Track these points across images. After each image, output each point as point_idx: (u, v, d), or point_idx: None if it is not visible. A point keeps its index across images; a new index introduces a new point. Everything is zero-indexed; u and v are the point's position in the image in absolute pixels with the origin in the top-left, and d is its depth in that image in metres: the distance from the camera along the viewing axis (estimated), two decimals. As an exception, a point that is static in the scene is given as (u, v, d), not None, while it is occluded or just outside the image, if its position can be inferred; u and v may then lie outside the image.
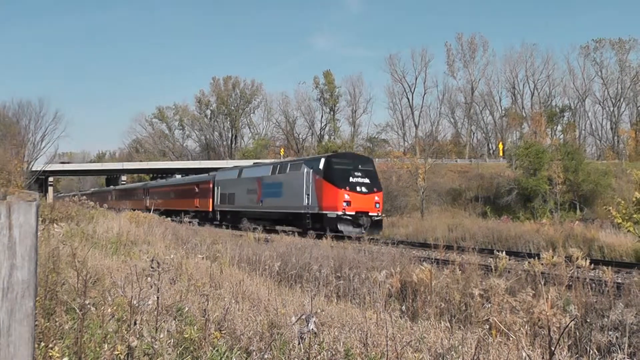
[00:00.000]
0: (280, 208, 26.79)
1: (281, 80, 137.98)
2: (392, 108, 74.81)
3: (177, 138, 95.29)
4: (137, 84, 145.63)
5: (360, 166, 24.51)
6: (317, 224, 23.09)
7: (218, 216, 33.62)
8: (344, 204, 22.64)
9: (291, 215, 25.58)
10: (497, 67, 75.82)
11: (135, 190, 56.27)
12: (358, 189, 23.29)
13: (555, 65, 69.12)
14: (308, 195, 24.17)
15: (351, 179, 23.46)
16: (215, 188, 34.64)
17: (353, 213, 22.75)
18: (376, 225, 23.60)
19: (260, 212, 28.71)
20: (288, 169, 27.32)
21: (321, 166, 24.01)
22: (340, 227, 22.12)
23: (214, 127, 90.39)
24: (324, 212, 23.05)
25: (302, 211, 24.42)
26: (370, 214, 23.27)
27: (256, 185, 29.47)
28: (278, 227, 23.53)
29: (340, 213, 22.56)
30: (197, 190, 37.79)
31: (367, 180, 23.83)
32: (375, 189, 23.95)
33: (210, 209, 34.89)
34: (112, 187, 74.66)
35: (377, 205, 23.72)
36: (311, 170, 24.46)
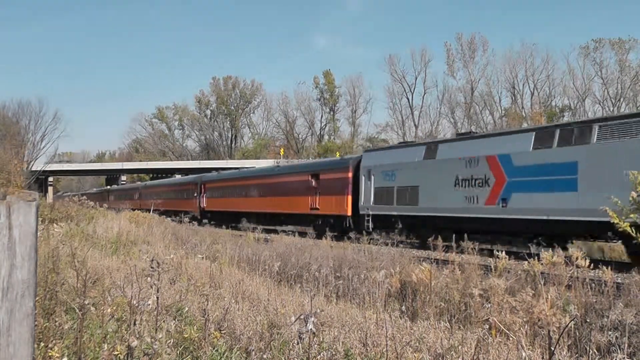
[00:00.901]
0: (571, 214, 14.03)
1: (281, 80, 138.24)
2: (392, 108, 74.76)
3: (177, 138, 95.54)
4: (137, 84, 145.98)
5: None
6: None
7: (370, 224, 20.46)
8: None
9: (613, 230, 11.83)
10: (497, 67, 75.74)
11: (179, 188, 41.20)
12: None
13: (555, 65, 69.03)
14: None
15: None
16: (363, 179, 21.39)
17: None
18: None
19: (499, 221, 15.97)
20: (595, 134, 13.95)
21: None
22: None
23: (213, 127, 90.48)
24: None
25: None
26: None
27: (486, 171, 16.40)
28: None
29: None
30: (313, 183, 24.28)
31: None
32: None
33: (349, 213, 21.83)
34: (138, 183, 62.05)
35: None
36: None
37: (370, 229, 19.90)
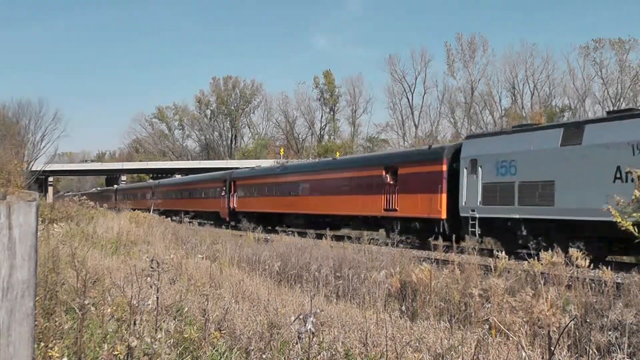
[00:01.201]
0: None
1: (281, 79, 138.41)
2: (392, 108, 74.72)
3: (177, 138, 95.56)
4: (137, 84, 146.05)
5: None
6: None
7: (477, 229, 16.50)
8: None
9: None
10: (497, 67, 75.68)
11: (202, 186, 37.11)
12: None
13: (555, 65, 69.06)
14: None
15: None
16: (465, 173, 17.23)
17: None
18: None
19: None
20: None
21: None
22: None
23: (213, 127, 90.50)
24: None
25: None
26: None
27: None
28: None
29: None
30: (389, 179, 20.16)
31: None
32: None
33: (443, 216, 17.70)
34: (150, 181, 57.23)
35: None
36: None
37: (477, 235, 16.46)
